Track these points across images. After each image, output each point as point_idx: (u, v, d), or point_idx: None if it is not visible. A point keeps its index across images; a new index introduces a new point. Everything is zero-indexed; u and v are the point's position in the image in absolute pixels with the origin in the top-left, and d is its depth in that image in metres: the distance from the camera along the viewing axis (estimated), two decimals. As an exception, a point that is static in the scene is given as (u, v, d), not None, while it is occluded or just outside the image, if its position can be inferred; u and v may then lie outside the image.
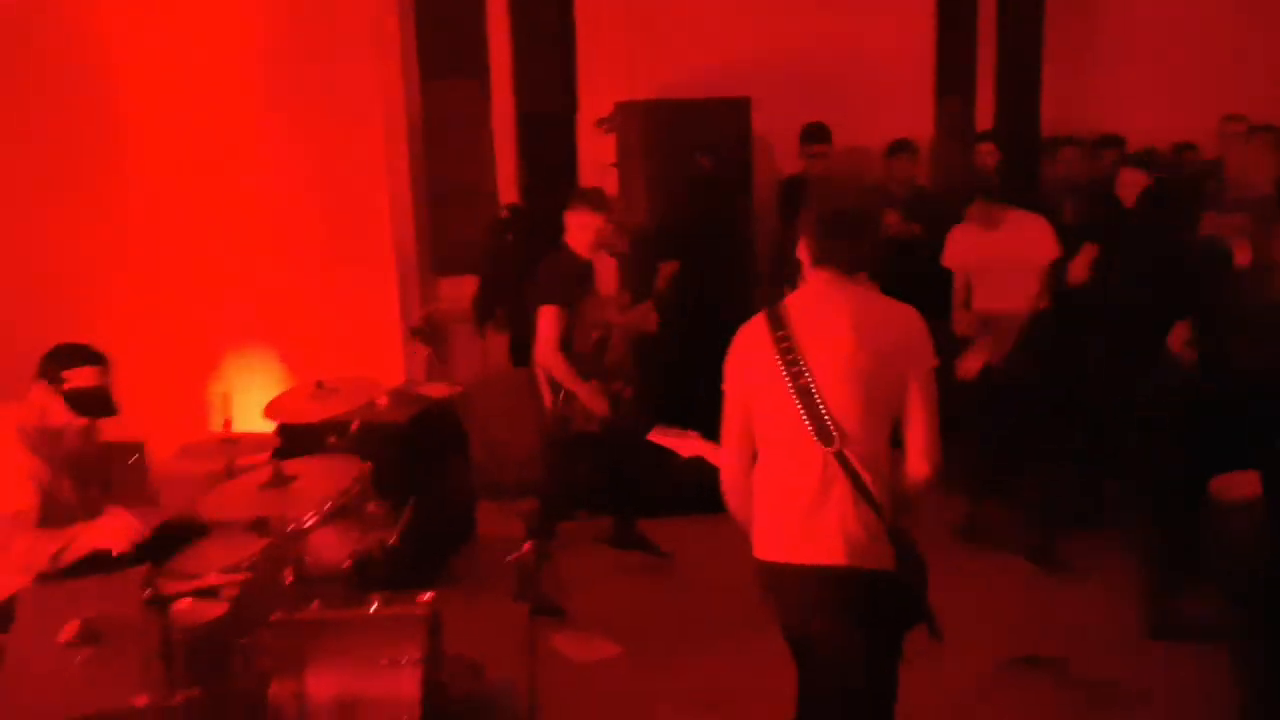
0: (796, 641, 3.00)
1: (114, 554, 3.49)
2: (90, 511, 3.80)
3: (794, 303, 2.94)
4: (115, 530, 3.54)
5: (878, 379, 2.81)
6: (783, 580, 2.91)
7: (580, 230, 4.92)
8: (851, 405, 2.80)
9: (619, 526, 5.45)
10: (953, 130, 7.64)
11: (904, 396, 2.84)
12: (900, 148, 6.83)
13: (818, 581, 2.85)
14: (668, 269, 5.29)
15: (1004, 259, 5.39)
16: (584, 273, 4.95)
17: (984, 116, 7.88)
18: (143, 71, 5.89)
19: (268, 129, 6.07)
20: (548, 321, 4.76)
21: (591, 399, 4.81)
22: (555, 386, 4.88)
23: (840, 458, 2.79)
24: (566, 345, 4.82)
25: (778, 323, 2.88)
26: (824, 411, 2.78)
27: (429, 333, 3.88)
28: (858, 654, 2.87)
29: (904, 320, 2.90)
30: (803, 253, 2.97)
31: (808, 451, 2.82)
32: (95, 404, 3.69)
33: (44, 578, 3.44)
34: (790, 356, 2.83)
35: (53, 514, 3.58)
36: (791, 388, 2.81)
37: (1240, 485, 3.66)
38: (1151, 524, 4.64)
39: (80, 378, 3.65)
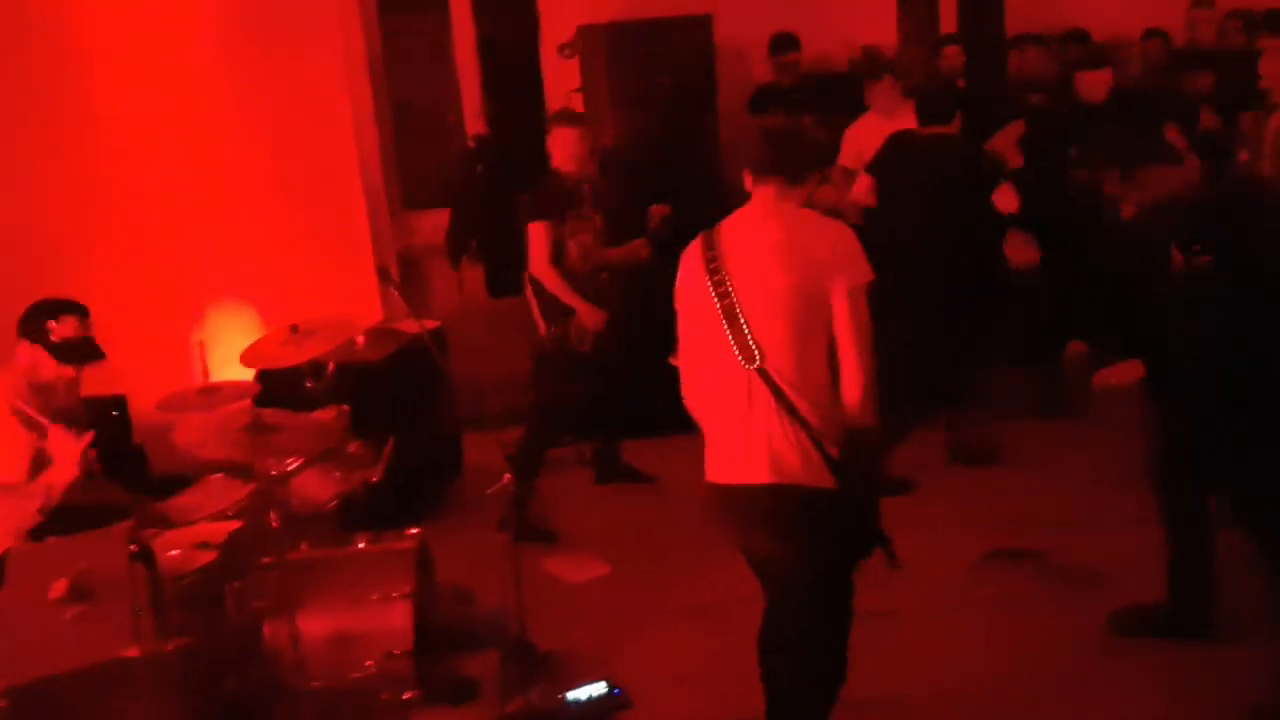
0: (751, 561, 3.08)
1: (77, 475, 3.53)
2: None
3: (728, 225, 3.00)
4: (63, 455, 3.57)
5: (803, 298, 2.83)
6: (724, 500, 2.99)
7: (564, 147, 4.92)
8: (775, 324, 2.83)
9: (604, 459, 5.52)
10: (916, 34, 7.57)
11: (832, 316, 2.85)
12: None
13: (749, 500, 2.92)
14: (659, 212, 5.27)
15: None
16: (572, 191, 4.96)
17: (948, 18, 7.80)
18: (106, 26, 5.78)
19: (226, 73, 5.98)
20: (538, 237, 4.81)
21: (588, 313, 4.84)
22: (546, 306, 4.89)
23: (764, 376, 2.83)
24: (558, 260, 4.84)
25: (709, 245, 2.96)
26: (746, 331, 2.83)
27: (388, 272, 3.87)
28: (799, 571, 2.94)
29: (831, 237, 2.90)
30: (746, 176, 3.01)
31: (734, 371, 2.87)
32: (82, 351, 3.72)
33: (40, 531, 3.51)
34: (717, 278, 2.89)
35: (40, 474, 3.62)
36: (718, 308, 2.88)
37: (1122, 374, 3.72)
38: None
39: (64, 328, 3.68)
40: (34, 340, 3.69)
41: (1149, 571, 3.92)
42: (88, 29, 5.76)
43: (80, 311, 3.75)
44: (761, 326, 2.84)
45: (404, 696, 3.48)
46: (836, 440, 2.86)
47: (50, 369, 3.71)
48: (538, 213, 4.83)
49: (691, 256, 3.01)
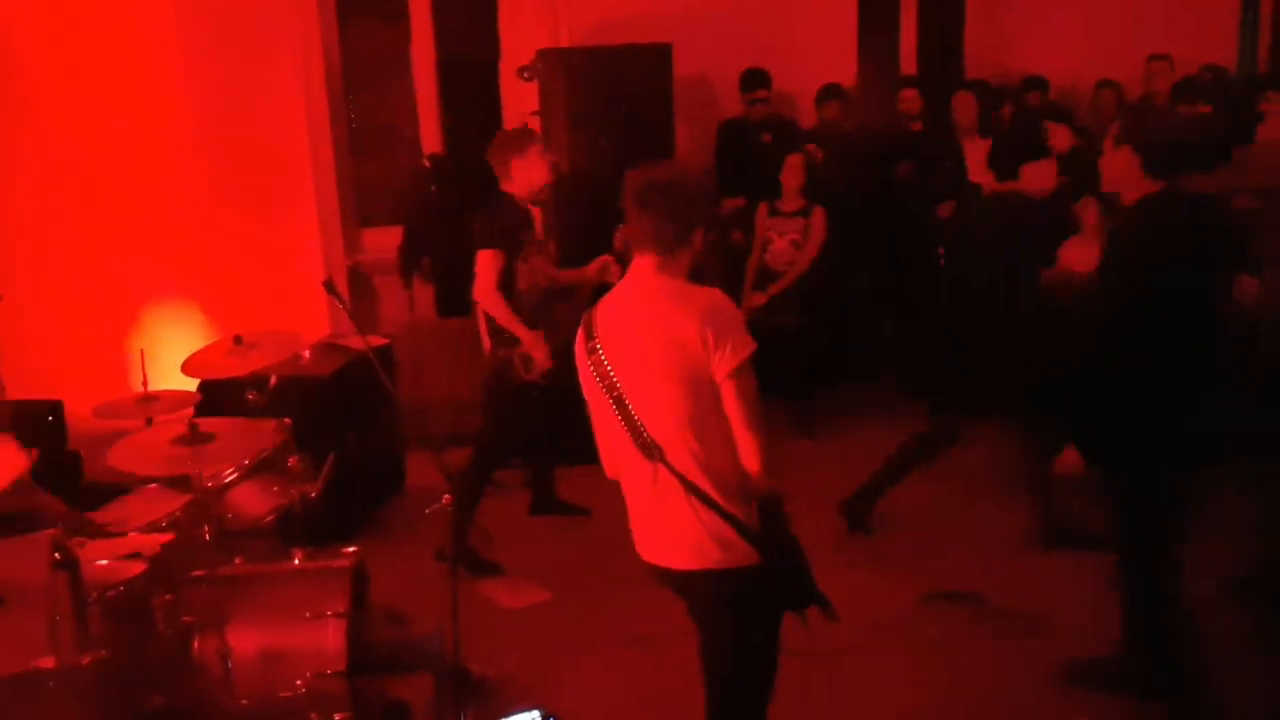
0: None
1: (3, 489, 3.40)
2: None
3: (603, 307, 2.88)
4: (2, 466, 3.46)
5: (687, 385, 2.70)
6: (655, 577, 2.93)
7: (532, 170, 4.78)
8: (666, 411, 2.72)
9: (538, 490, 5.46)
10: (877, 73, 7.67)
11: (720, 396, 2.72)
12: (829, 94, 6.90)
13: (675, 582, 2.88)
14: (626, 234, 5.23)
15: None
16: (524, 220, 4.87)
17: (908, 60, 7.92)
18: (49, 13, 5.71)
19: (181, 73, 5.94)
20: (485, 265, 4.69)
21: (533, 344, 4.75)
22: (494, 332, 4.82)
23: (667, 467, 2.73)
24: (506, 290, 4.75)
25: (589, 331, 2.85)
26: (639, 424, 2.74)
27: (334, 285, 3.81)
28: (727, 640, 2.88)
29: (704, 317, 2.70)
30: (627, 239, 2.91)
31: (638, 461, 2.79)
32: None
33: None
34: (603, 368, 2.79)
35: None
36: (608, 400, 2.79)
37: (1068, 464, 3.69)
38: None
39: None
40: None
41: (1091, 615, 3.94)
42: (33, 29, 5.69)
43: None
44: (652, 416, 2.74)
45: (335, 717, 3.41)
46: (750, 512, 2.78)
47: None
48: (487, 239, 4.72)
49: (579, 344, 2.89)
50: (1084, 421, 3.67)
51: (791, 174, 6.35)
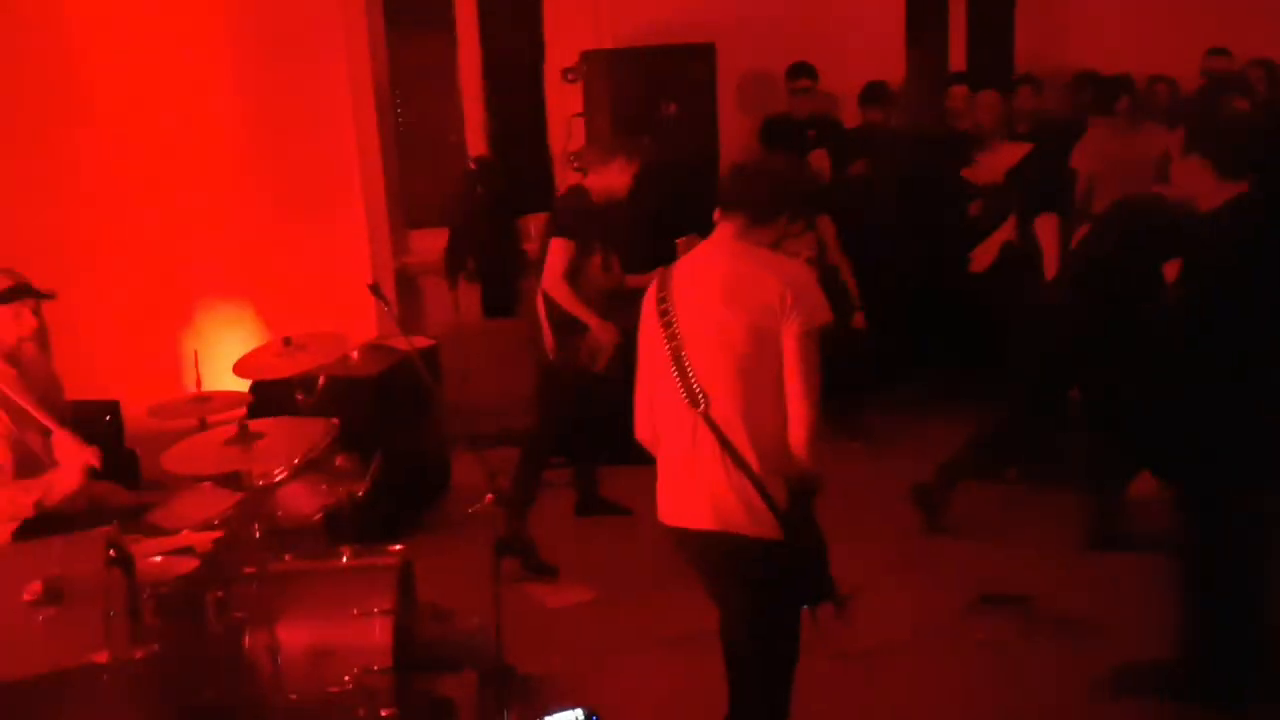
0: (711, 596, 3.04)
1: (77, 485, 3.55)
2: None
3: (680, 266, 2.96)
4: (69, 462, 3.57)
5: (751, 340, 2.74)
6: (675, 542, 2.96)
7: (607, 177, 4.81)
8: (721, 367, 2.76)
9: (582, 490, 5.48)
10: (925, 71, 7.62)
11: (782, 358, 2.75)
12: (873, 93, 6.83)
13: (696, 545, 2.88)
14: (686, 243, 5.24)
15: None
16: (599, 213, 4.87)
17: (957, 54, 7.85)
18: (107, 25, 5.84)
19: (233, 80, 6.04)
20: (555, 252, 4.71)
21: (601, 331, 4.73)
22: (556, 324, 4.82)
23: (708, 421, 2.76)
24: (573, 279, 4.76)
25: (663, 286, 2.91)
26: (691, 375, 2.78)
27: (379, 288, 3.88)
28: (743, 617, 2.90)
29: (786, 278, 2.78)
30: (715, 212, 2.95)
31: (681, 414, 2.82)
32: (23, 291, 3.68)
33: (26, 527, 3.51)
34: (666, 319, 2.84)
35: (26, 466, 3.61)
36: (667, 350, 2.83)
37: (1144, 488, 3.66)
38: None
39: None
40: None
41: (1147, 621, 3.88)
42: (91, 36, 5.82)
43: (6, 270, 3.72)
44: (706, 369, 2.78)
45: (381, 713, 3.46)
46: (782, 487, 2.78)
47: (9, 324, 3.68)
48: (562, 228, 4.74)
49: (649, 296, 2.97)
50: (1166, 438, 3.57)
51: None
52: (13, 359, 3.75)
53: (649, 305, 2.94)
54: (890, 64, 7.23)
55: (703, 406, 2.76)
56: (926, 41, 7.71)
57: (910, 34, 7.43)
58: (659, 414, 2.93)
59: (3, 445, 3.60)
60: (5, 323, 3.67)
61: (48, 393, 3.89)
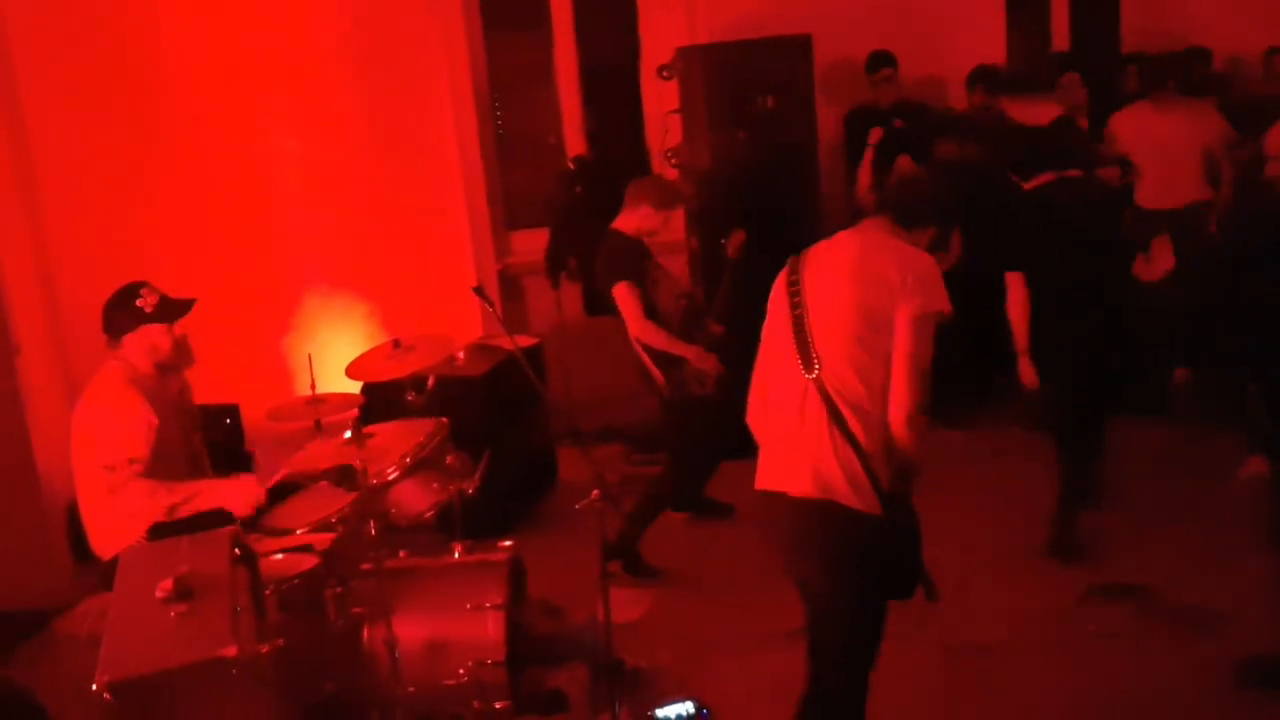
0: (795, 581, 3.03)
1: (237, 515, 3.68)
2: (195, 464, 4.03)
3: (815, 249, 3.04)
4: (242, 494, 3.75)
5: (869, 316, 2.81)
6: (766, 510, 2.95)
7: (641, 219, 4.87)
8: (838, 337, 2.82)
9: (693, 492, 5.40)
10: (1027, 54, 7.43)
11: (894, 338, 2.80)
12: (979, 76, 6.65)
13: (789, 511, 2.86)
14: (737, 238, 5.24)
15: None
16: (637, 248, 4.91)
17: (1060, 32, 7.64)
18: (211, 32, 6.03)
19: (337, 89, 6.19)
20: (624, 299, 4.77)
21: (700, 358, 4.76)
22: (658, 358, 4.83)
23: (820, 387, 2.80)
24: (651, 313, 4.80)
25: (794, 266, 3.02)
26: (809, 339, 2.85)
27: (483, 290, 3.97)
28: (829, 594, 2.88)
29: (910, 263, 2.87)
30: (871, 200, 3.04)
31: (793, 379, 2.87)
32: (177, 307, 3.87)
33: (156, 529, 3.66)
34: (794, 289, 2.94)
35: (161, 465, 3.77)
36: (789, 319, 2.91)
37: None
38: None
39: (148, 297, 3.83)
40: (135, 325, 3.81)
41: (1270, 612, 3.79)
42: (196, 44, 6.02)
43: (145, 283, 3.89)
44: (824, 337, 2.85)
45: (496, 706, 3.54)
46: (886, 466, 2.79)
47: (164, 338, 3.84)
48: (613, 276, 4.78)
49: (780, 277, 3.06)
50: None
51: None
52: (166, 368, 3.93)
53: (779, 284, 3.04)
54: (990, 45, 7.06)
55: (816, 372, 2.81)
56: (1028, 19, 7.51)
57: (1010, 11, 7.25)
58: (771, 387, 2.99)
59: (147, 439, 3.75)
60: (163, 335, 3.86)
61: (184, 401, 4.08)
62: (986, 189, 5.29)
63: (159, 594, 2.56)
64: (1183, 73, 6.43)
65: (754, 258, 5.07)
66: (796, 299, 2.92)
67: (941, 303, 2.83)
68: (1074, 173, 4.73)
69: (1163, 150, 6.03)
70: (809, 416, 2.83)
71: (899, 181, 3.15)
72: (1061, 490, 4.74)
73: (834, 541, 2.84)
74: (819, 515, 2.81)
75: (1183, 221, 5.78)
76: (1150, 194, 6.16)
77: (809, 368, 2.83)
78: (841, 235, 3.06)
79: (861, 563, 2.83)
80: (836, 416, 2.78)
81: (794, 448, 2.86)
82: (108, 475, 3.66)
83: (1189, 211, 5.94)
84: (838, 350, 2.82)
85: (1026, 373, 4.65)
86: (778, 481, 2.91)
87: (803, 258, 3.03)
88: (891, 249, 2.93)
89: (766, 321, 3.07)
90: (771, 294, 3.07)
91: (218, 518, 3.63)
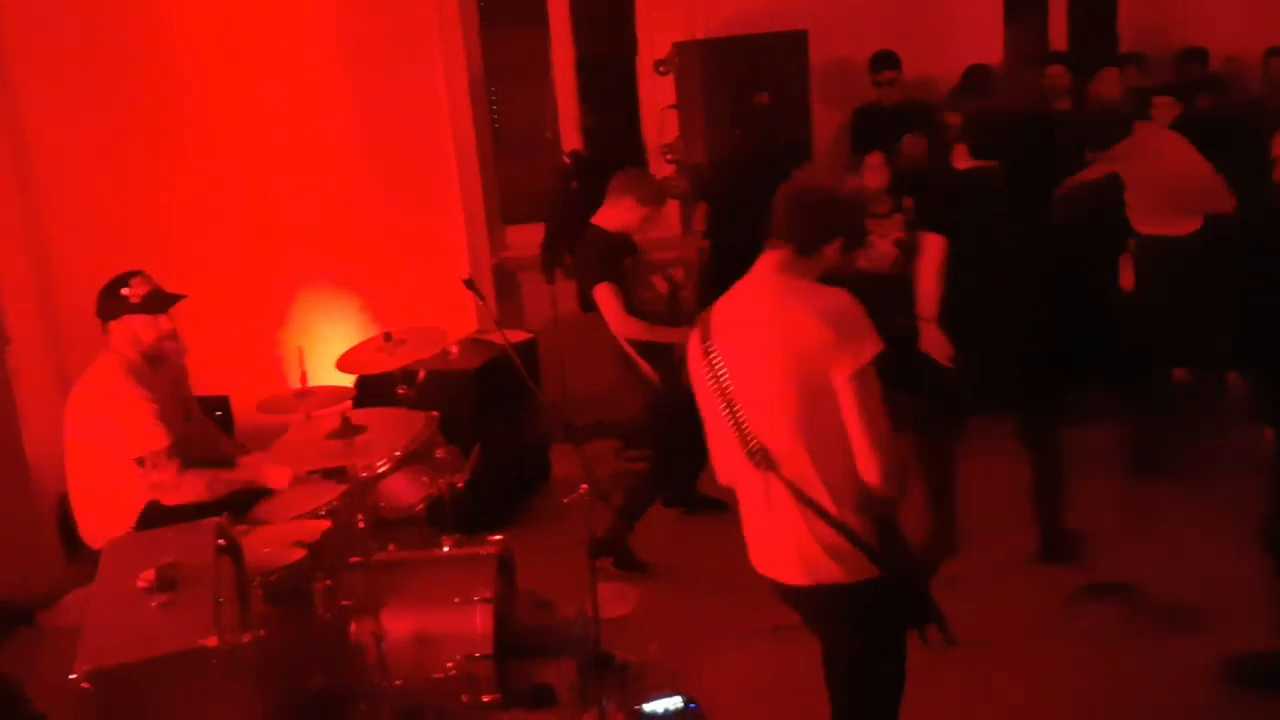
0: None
1: (275, 490, 3.90)
2: (203, 447, 4.08)
3: (720, 305, 2.79)
4: (278, 470, 3.89)
5: (802, 388, 2.58)
6: (770, 588, 2.85)
7: (619, 213, 4.84)
8: (779, 415, 2.61)
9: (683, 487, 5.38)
10: (1024, 53, 7.42)
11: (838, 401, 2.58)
12: (973, 77, 6.64)
13: (792, 597, 2.80)
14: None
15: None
16: (620, 242, 4.89)
17: (1058, 32, 7.62)
18: (210, 25, 6.03)
19: (332, 82, 6.19)
20: (605, 299, 4.75)
21: (685, 339, 4.75)
22: (650, 354, 4.81)
23: (779, 478, 2.63)
24: (631, 308, 4.79)
25: (705, 333, 2.76)
26: (750, 435, 2.64)
27: (474, 284, 3.97)
28: (847, 654, 2.83)
29: (828, 315, 2.58)
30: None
31: (750, 470, 2.69)
32: (164, 299, 3.89)
33: (145, 519, 3.69)
34: (717, 369, 2.70)
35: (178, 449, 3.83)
36: (722, 405, 2.69)
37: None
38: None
39: (137, 288, 3.83)
40: (119, 314, 3.83)
41: (1257, 611, 3.77)
42: (194, 35, 6.02)
43: (138, 273, 3.90)
44: (764, 425, 2.63)
45: (483, 699, 3.54)
46: (866, 523, 2.65)
47: (149, 329, 3.85)
48: (595, 276, 4.75)
49: (692, 343, 2.81)
50: None
51: (874, 175, 5.84)
52: (152, 359, 3.92)
53: (695, 353, 2.79)
54: (988, 44, 7.05)
55: (767, 466, 2.63)
56: (1026, 19, 7.49)
57: (1009, 11, 7.23)
58: (729, 461, 2.79)
59: (164, 430, 3.78)
60: (146, 326, 3.85)
61: (180, 389, 4.08)
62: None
63: (141, 584, 2.56)
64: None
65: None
66: (721, 378, 2.68)
67: (873, 345, 2.58)
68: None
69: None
70: (776, 505, 2.67)
71: (785, 206, 2.74)
72: (1034, 483, 4.67)
73: (837, 619, 2.78)
74: (817, 601, 2.75)
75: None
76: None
77: (759, 464, 2.64)
78: (744, 287, 2.78)
79: (872, 623, 2.76)
80: (803, 498, 2.61)
81: (772, 535, 2.73)
82: (145, 471, 3.72)
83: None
84: (784, 440, 2.61)
85: (932, 339, 4.49)
86: (767, 567, 2.81)
87: (710, 324, 2.76)
88: (804, 297, 2.65)
89: (696, 393, 2.83)
90: (690, 363, 2.84)
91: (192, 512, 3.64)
